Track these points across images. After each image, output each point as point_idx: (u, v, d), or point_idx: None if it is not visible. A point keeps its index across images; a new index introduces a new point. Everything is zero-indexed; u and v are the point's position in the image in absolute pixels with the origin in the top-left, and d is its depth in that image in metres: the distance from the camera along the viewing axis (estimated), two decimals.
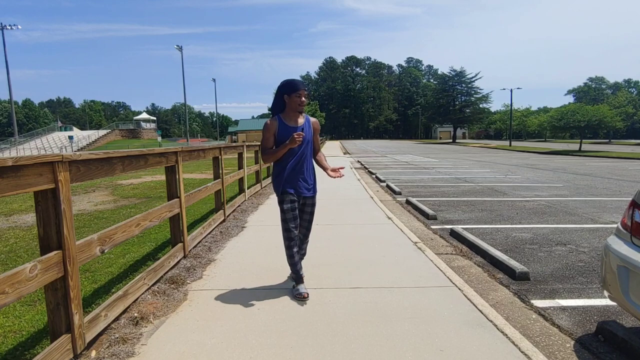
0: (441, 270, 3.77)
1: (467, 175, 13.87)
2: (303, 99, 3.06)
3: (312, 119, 3.29)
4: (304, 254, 3.48)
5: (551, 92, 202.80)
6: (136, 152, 3.12)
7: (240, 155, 8.06)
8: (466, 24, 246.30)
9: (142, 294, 3.12)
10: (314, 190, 3.27)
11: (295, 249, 3.18)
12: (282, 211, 3.15)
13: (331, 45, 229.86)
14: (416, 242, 4.77)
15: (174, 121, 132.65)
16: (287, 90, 3.07)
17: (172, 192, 3.95)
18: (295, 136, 2.92)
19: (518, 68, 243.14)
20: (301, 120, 3.17)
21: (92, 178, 2.52)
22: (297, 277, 3.21)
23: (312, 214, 3.33)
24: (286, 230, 3.16)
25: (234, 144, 7.92)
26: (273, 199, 8.47)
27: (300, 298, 3.10)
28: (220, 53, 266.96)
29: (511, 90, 50.79)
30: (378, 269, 3.84)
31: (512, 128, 54.74)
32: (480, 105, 74.93)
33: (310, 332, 2.62)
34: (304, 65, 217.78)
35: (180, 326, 2.72)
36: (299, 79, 3.15)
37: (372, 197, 8.29)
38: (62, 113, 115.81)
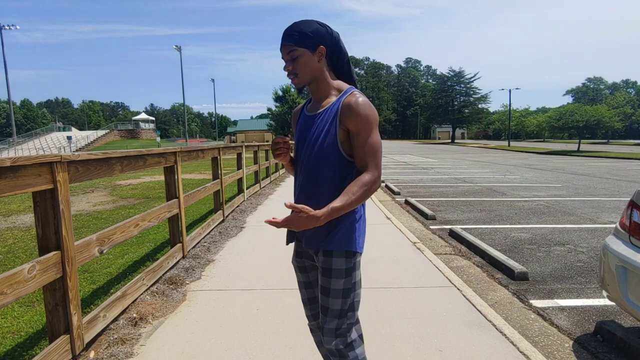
0: (440, 271, 3.78)
1: (465, 175, 13.89)
2: (289, 67, 1.50)
3: (347, 100, 1.48)
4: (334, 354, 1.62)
5: (550, 92, 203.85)
6: (135, 153, 3.11)
7: (239, 155, 8.06)
8: (466, 24, 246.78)
9: (141, 294, 3.12)
10: (327, 238, 1.61)
11: (313, 327, 1.91)
12: None
13: None
14: (415, 242, 4.77)
15: (172, 121, 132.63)
16: None
17: (171, 192, 3.95)
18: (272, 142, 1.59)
19: (517, 68, 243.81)
20: (328, 101, 1.55)
21: (91, 178, 2.52)
22: None
23: (326, 285, 1.60)
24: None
25: (232, 145, 7.91)
26: (272, 199, 8.46)
27: None
28: (219, 53, 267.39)
29: (510, 91, 50.90)
30: (377, 269, 3.84)
31: (511, 128, 54.81)
32: (479, 106, 74.99)
33: (310, 333, 2.61)
34: None
35: (179, 327, 2.71)
36: (303, 20, 1.51)
37: (370, 197, 8.30)
38: (61, 113, 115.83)
